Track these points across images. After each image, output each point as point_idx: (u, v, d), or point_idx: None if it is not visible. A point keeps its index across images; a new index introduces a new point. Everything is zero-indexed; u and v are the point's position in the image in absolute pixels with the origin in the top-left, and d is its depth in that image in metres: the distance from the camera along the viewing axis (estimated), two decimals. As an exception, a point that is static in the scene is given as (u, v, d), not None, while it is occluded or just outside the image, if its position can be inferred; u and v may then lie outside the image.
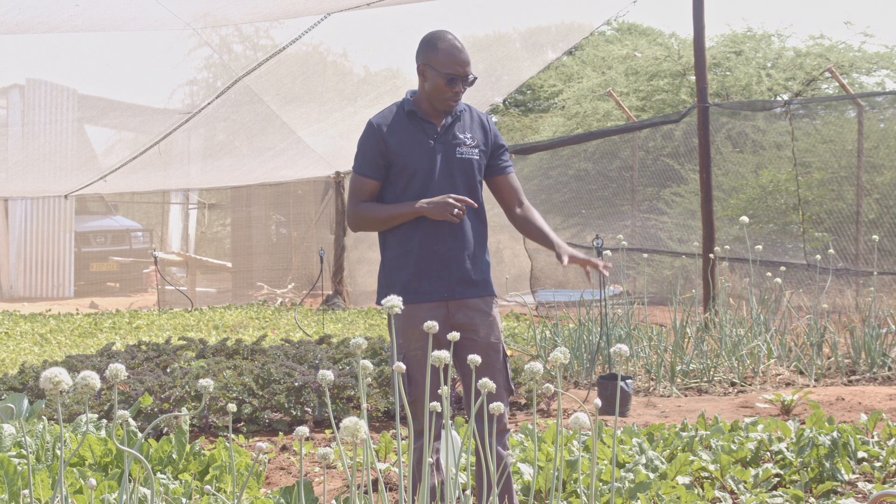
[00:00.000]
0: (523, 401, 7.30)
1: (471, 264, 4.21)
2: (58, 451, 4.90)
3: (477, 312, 4.21)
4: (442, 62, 4.14)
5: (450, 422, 3.23)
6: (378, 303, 4.25)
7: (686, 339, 8.81)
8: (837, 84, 16.14)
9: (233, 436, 6.02)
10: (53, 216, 22.35)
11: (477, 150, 4.25)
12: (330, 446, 4.53)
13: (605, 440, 5.48)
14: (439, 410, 3.23)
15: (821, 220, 12.54)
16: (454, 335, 3.37)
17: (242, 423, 6.77)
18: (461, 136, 4.23)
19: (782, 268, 10.51)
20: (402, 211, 4.16)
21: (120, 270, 23.11)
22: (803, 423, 6.01)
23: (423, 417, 4.01)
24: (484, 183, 4.34)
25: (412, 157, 4.18)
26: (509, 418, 7.05)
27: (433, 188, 4.17)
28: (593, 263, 4.18)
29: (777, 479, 5.14)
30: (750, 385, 8.24)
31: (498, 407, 3.21)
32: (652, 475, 4.86)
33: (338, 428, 4.95)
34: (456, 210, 4.08)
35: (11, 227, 22.31)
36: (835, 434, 5.18)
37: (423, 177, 4.18)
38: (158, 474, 4.67)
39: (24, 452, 4.74)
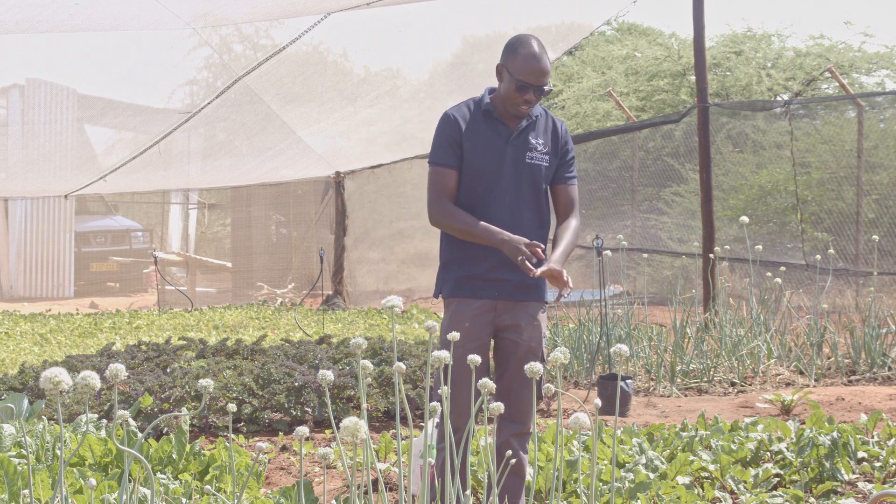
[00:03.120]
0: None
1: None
2: (58, 451, 4.90)
3: (524, 316, 4.21)
4: (517, 68, 4.12)
5: (450, 422, 3.23)
6: (435, 296, 4.29)
7: (686, 339, 8.81)
8: (837, 84, 16.14)
9: (233, 436, 6.02)
10: (53, 216, 22.35)
11: (547, 157, 4.24)
12: (330, 446, 4.53)
13: (605, 440, 5.48)
14: (439, 410, 3.23)
15: (820, 219, 12.54)
16: (454, 335, 3.37)
17: (242, 423, 6.77)
18: (533, 142, 4.22)
19: (782, 268, 10.51)
20: (482, 235, 4.10)
21: (120, 270, 23.12)
22: (803, 423, 6.01)
23: (458, 417, 4.03)
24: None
25: (482, 156, 4.18)
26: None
27: (498, 190, 4.18)
28: (558, 284, 4.08)
29: (777, 479, 5.14)
30: (750, 385, 8.24)
31: (498, 406, 3.21)
32: (652, 475, 4.86)
33: (338, 428, 4.95)
34: (521, 258, 4.01)
35: (11, 227, 22.31)
36: (835, 434, 5.18)
37: (489, 177, 4.18)
38: (158, 474, 4.67)
39: (24, 452, 4.74)
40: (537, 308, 4.25)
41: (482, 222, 4.13)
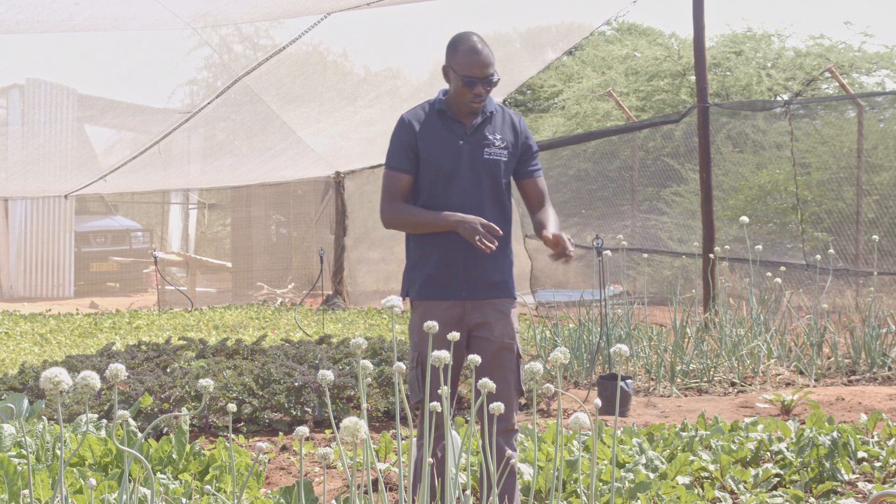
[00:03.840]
0: (523, 401, 7.31)
1: (490, 265, 4.23)
2: (58, 451, 4.90)
3: (493, 312, 4.23)
4: (460, 64, 4.16)
5: (450, 422, 3.23)
6: (402, 298, 4.32)
7: (686, 339, 8.81)
8: (837, 84, 16.14)
9: (233, 436, 6.02)
10: (53, 216, 22.34)
11: (505, 152, 4.27)
12: (330, 446, 4.53)
13: (605, 440, 5.48)
14: (439, 410, 3.23)
15: (820, 220, 12.54)
16: (454, 335, 3.38)
17: (242, 423, 6.77)
18: (490, 137, 4.25)
19: (782, 268, 10.50)
20: (435, 221, 4.16)
21: (120, 270, 23.10)
22: (803, 423, 6.01)
23: (433, 417, 4.06)
24: (513, 183, 4.36)
25: (440, 156, 4.22)
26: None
27: (458, 187, 4.21)
28: (558, 248, 4.14)
29: (777, 479, 5.14)
30: (750, 385, 8.24)
31: (498, 406, 3.21)
32: (652, 475, 4.86)
33: (338, 428, 4.95)
34: (478, 237, 4.05)
35: (11, 227, 22.31)
36: (835, 434, 5.18)
37: (447, 175, 4.21)
38: (158, 474, 4.67)
39: (24, 452, 4.74)
40: (507, 304, 4.28)
41: (434, 211, 4.18)
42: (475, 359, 3.28)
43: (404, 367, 3.26)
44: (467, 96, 4.17)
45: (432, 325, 3.34)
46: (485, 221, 4.09)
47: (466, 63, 4.14)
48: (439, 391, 3.26)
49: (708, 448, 5.41)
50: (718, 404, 7.52)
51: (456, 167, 4.21)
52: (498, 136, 4.26)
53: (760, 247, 9.51)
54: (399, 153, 4.25)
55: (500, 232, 4.13)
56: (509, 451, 3.69)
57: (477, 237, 4.05)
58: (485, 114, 4.26)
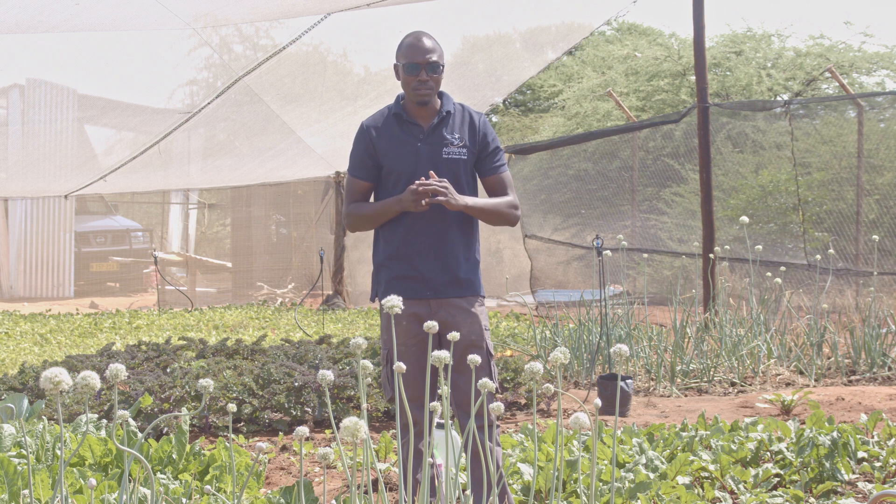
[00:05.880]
0: (523, 401, 7.31)
1: (454, 264, 4.28)
2: (58, 451, 4.90)
3: (459, 311, 4.28)
4: (403, 55, 4.27)
5: (450, 422, 3.23)
6: (371, 299, 4.38)
7: (686, 339, 8.81)
8: (837, 84, 16.14)
9: (233, 436, 6.02)
10: (53, 216, 22.35)
11: (465, 150, 4.32)
12: (330, 446, 4.53)
13: (605, 440, 5.48)
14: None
15: (821, 220, 12.53)
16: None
17: (242, 423, 6.77)
18: (448, 137, 4.30)
19: (782, 268, 10.50)
20: (383, 209, 4.25)
21: (120, 270, 23.10)
22: (803, 423, 6.01)
23: (417, 410, 4.10)
24: (477, 181, 4.41)
25: (397, 158, 4.28)
26: (508, 418, 7.05)
27: None
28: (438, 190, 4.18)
29: (777, 479, 5.14)
30: (750, 385, 8.24)
31: (498, 407, 3.20)
32: (652, 475, 4.86)
33: (338, 428, 4.95)
34: (424, 201, 4.13)
35: (11, 227, 22.31)
36: (835, 434, 5.18)
37: (407, 178, 4.26)
38: (158, 474, 4.67)
39: (24, 452, 4.74)
40: (472, 302, 4.32)
41: (381, 201, 4.27)
42: (475, 359, 3.27)
43: (404, 366, 3.27)
44: (412, 83, 4.24)
45: (432, 326, 3.35)
46: (412, 187, 4.14)
47: (408, 51, 4.25)
48: (439, 391, 3.26)
49: (708, 448, 5.41)
50: (718, 404, 7.52)
51: (415, 169, 4.25)
52: (456, 136, 4.31)
53: (760, 247, 9.51)
54: (354, 159, 4.35)
55: (438, 180, 4.14)
56: (491, 444, 3.71)
57: (423, 201, 4.13)
58: (441, 113, 4.31)
